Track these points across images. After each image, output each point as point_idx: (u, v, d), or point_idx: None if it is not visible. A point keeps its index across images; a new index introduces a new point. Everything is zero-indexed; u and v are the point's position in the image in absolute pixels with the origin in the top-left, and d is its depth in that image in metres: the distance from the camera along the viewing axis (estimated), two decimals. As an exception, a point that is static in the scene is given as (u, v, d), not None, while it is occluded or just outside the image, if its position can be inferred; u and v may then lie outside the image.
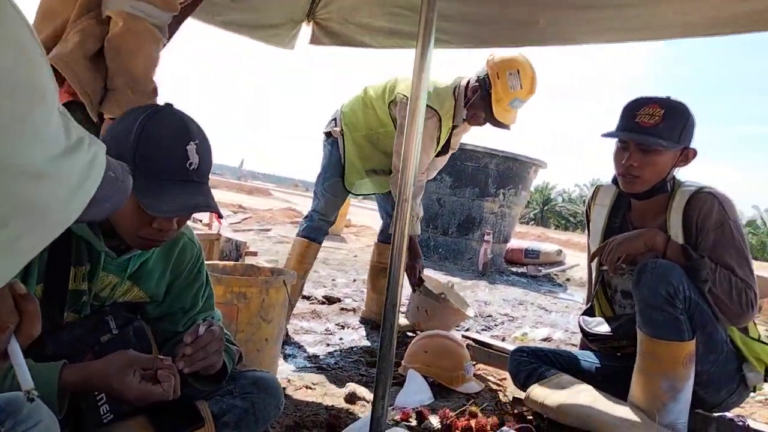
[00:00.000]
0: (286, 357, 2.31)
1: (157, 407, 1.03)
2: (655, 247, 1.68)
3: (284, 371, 2.12)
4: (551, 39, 2.07)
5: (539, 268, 6.62)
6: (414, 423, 1.76)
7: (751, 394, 1.86)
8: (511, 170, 6.10)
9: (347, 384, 2.00)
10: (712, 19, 1.78)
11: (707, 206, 1.67)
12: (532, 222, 44.34)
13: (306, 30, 2.36)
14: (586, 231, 2.05)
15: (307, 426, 1.65)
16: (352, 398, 1.88)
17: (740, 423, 1.90)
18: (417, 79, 1.20)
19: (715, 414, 1.87)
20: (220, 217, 1.61)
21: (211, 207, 1.06)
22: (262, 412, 1.22)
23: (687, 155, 1.73)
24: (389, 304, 1.24)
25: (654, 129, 1.65)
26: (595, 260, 1.93)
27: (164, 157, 1.02)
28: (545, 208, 48.13)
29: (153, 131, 1.02)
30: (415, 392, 1.45)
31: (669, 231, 1.73)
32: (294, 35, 2.34)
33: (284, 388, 1.92)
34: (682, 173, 1.82)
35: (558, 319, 3.84)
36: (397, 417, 1.77)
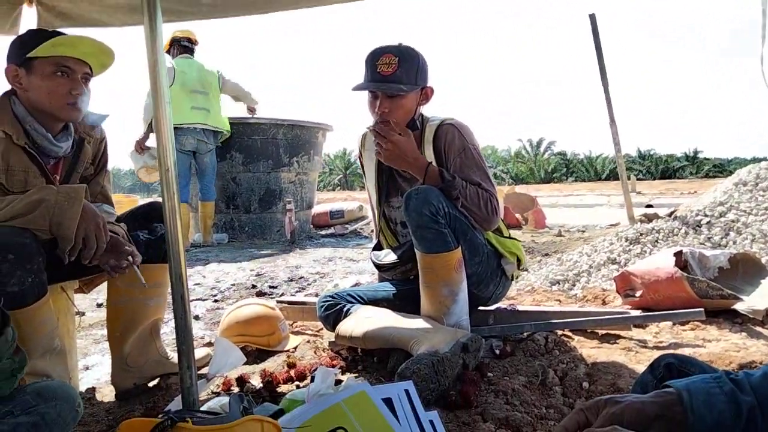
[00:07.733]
0: (88, 368, 2.14)
1: None
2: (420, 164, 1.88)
3: (89, 382, 1.97)
4: (275, 5, 2.13)
5: (345, 226, 6.95)
6: (236, 389, 1.78)
7: (513, 283, 2.25)
8: (299, 137, 6.21)
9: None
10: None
11: (450, 135, 1.93)
12: (339, 187, 45.79)
13: (30, 12, 2.10)
14: (363, 176, 2.23)
15: (122, 425, 1.58)
16: (167, 386, 1.83)
17: (511, 309, 2.30)
18: (151, 55, 1.18)
19: (492, 307, 2.23)
20: None
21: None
22: (56, 422, 1.13)
23: (426, 94, 1.97)
24: (174, 275, 1.23)
25: (393, 76, 1.83)
26: (374, 198, 2.13)
27: None
28: (348, 172, 49.96)
29: None
30: (225, 356, 1.47)
31: None
32: (15, 19, 2.07)
33: (89, 398, 1.79)
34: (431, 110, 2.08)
35: (365, 266, 4.11)
36: (219, 389, 1.78)
